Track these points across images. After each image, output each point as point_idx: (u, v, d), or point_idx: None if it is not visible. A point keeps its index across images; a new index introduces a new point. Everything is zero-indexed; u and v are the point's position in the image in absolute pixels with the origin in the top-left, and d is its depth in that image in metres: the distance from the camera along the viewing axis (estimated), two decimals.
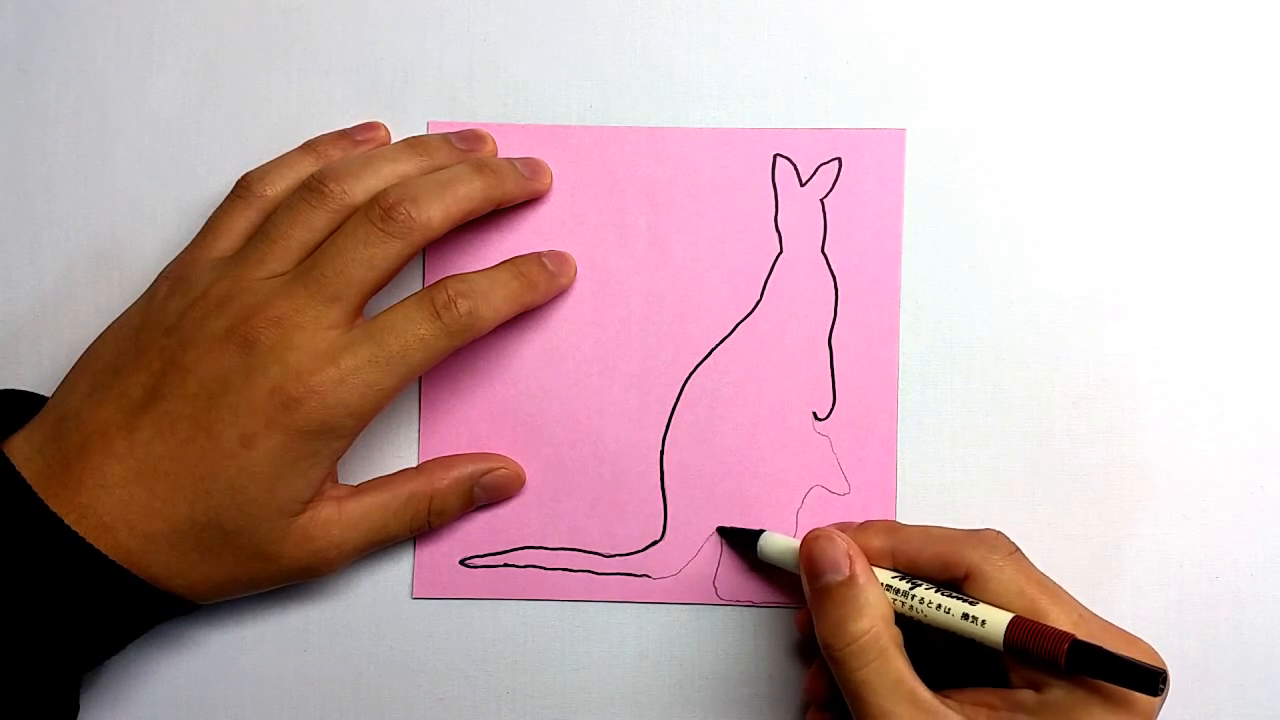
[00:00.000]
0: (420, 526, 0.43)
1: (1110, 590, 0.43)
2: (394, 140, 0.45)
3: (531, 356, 0.45)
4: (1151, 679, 0.34)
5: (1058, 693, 0.36)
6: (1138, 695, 0.35)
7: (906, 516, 0.44)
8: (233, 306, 0.39)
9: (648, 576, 0.44)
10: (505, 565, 0.44)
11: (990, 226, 0.44)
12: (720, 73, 0.45)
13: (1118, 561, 0.44)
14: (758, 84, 0.45)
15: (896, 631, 0.38)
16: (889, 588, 0.39)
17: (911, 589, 0.38)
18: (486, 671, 0.44)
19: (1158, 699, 0.35)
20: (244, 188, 0.43)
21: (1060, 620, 0.37)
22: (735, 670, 0.44)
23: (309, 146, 0.44)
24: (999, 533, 0.39)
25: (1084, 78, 0.45)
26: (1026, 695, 0.37)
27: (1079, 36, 0.45)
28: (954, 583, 0.38)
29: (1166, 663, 0.37)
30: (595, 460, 0.44)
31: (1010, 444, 0.44)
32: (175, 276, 0.41)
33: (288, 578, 0.42)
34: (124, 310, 0.42)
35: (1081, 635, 0.36)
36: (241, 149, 0.45)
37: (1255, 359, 0.44)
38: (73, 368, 0.41)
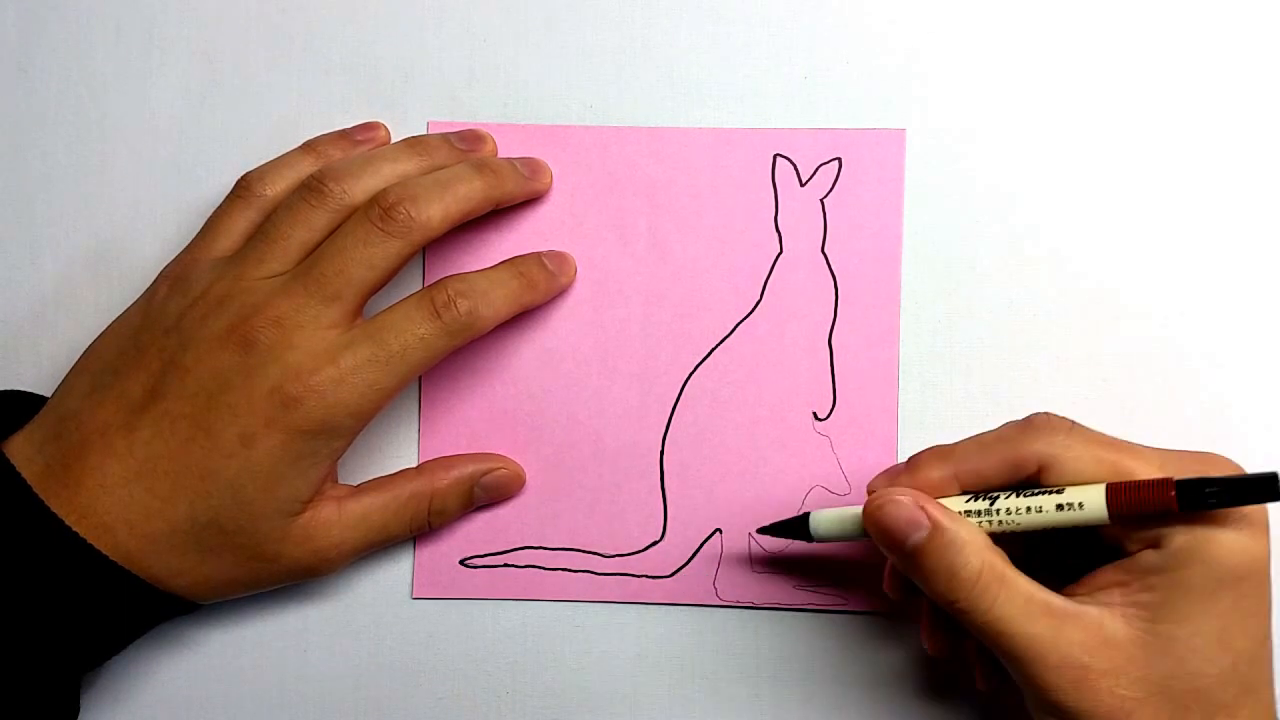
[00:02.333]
0: (420, 526, 0.43)
1: None
2: (394, 140, 0.45)
3: (531, 356, 0.45)
4: (1270, 484, 0.33)
5: (1178, 539, 0.35)
6: (1251, 508, 0.34)
7: None
8: (232, 306, 0.39)
9: (648, 576, 0.44)
10: (505, 565, 0.44)
11: (990, 226, 0.44)
12: (720, 73, 0.45)
13: None
14: (758, 84, 0.45)
15: (1001, 551, 0.36)
16: (969, 514, 0.37)
17: (991, 505, 0.37)
18: (486, 671, 0.44)
19: (1272, 504, 0.34)
20: (244, 188, 0.43)
21: (1148, 469, 0.35)
22: (735, 670, 0.44)
23: (309, 146, 0.44)
24: (1049, 414, 0.38)
25: (1084, 78, 0.45)
26: (1149, 556, 0.35)
27: (1079, 36, 0.45)
28: (1028, 481, 0.37)
29: None
30: (595, 460, 0.44)
31: None
32: (175, 276, 0.41)
33: (288, 578, 0.42)
34: (124, 310, 0.42)
35: (1174, 474, 0.35)
36: (241, 149, 0.45)
37: (1255, 359, 0.44)
38: (73, 368, 0.41)
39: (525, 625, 0.44)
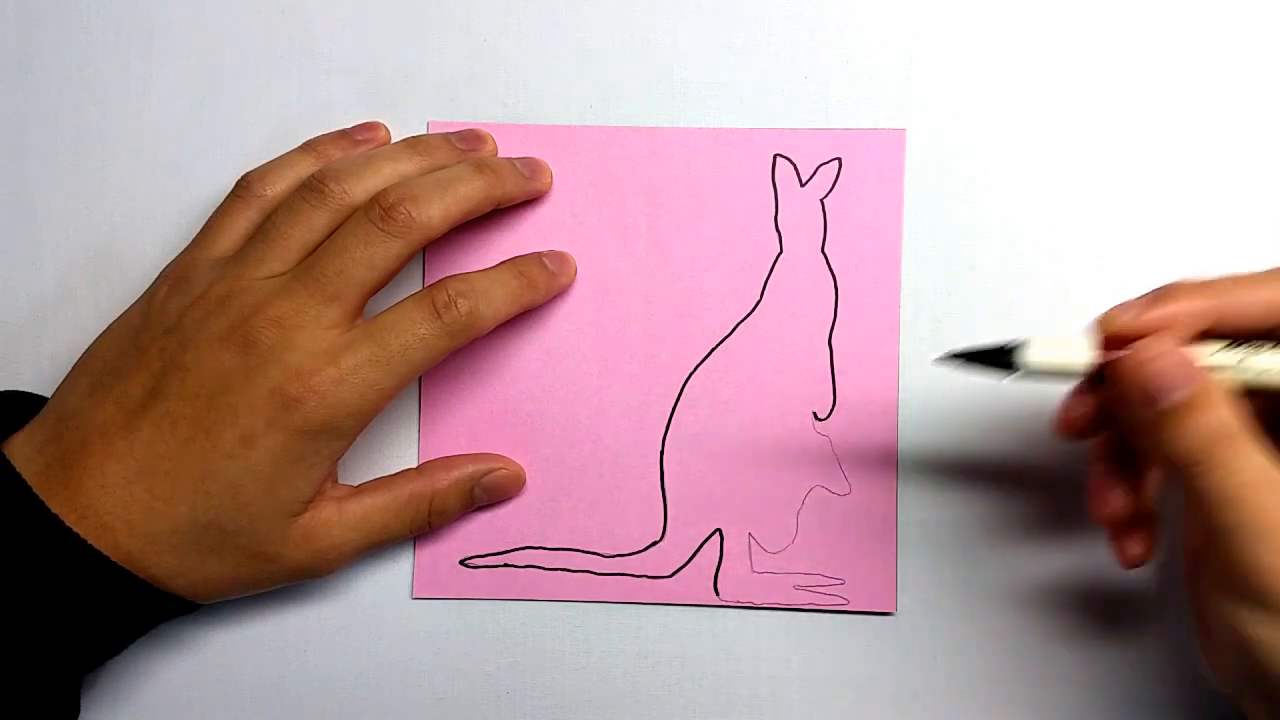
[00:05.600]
0: (420, 527, 0.43)
1: (1112, 589, 0.43)
2: (394, 140, 0.45)
3: (531, 356, 0.45)
4: None
5: None
6: None
7: (907, 519, 0.44)
8: (233, 306, 0.39)
9: (648, 576, 0.44)
10: (505, 565, 0.44)
11: (990, 226, 0.44)
12: (720, 73, 0.45)
13: None
14: (758, 84, 0.45)
15: (1243, 414, 0.33)
16: (1217, 368, 0.33)
17: (1244, 360, 0.33)
18: (486, 671, 0.44)
19: None
20: (244, 188, 0.43)
21: None
22: (735, 670, 0.44)
23: (309, 146, 0.44)
24: None
25: (1084, 78, 0.45)
26: None
27: (1079, 37, 0.45)
28: None
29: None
30: (595, 460, 0.44)
31: (1011, 443, 0.44)
32: (175, 276, 0.41)
33: (288, 578, 0.42)
34: (124, 310, 0.42)
35: None
36: (241, 149, 0.45)
37: None
38: (73, 368, 0.41)
39: (525, 625, 0.44)
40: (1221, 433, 0.33)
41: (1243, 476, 0.33)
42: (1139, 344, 0.34)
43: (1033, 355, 0.35)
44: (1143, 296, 0.35)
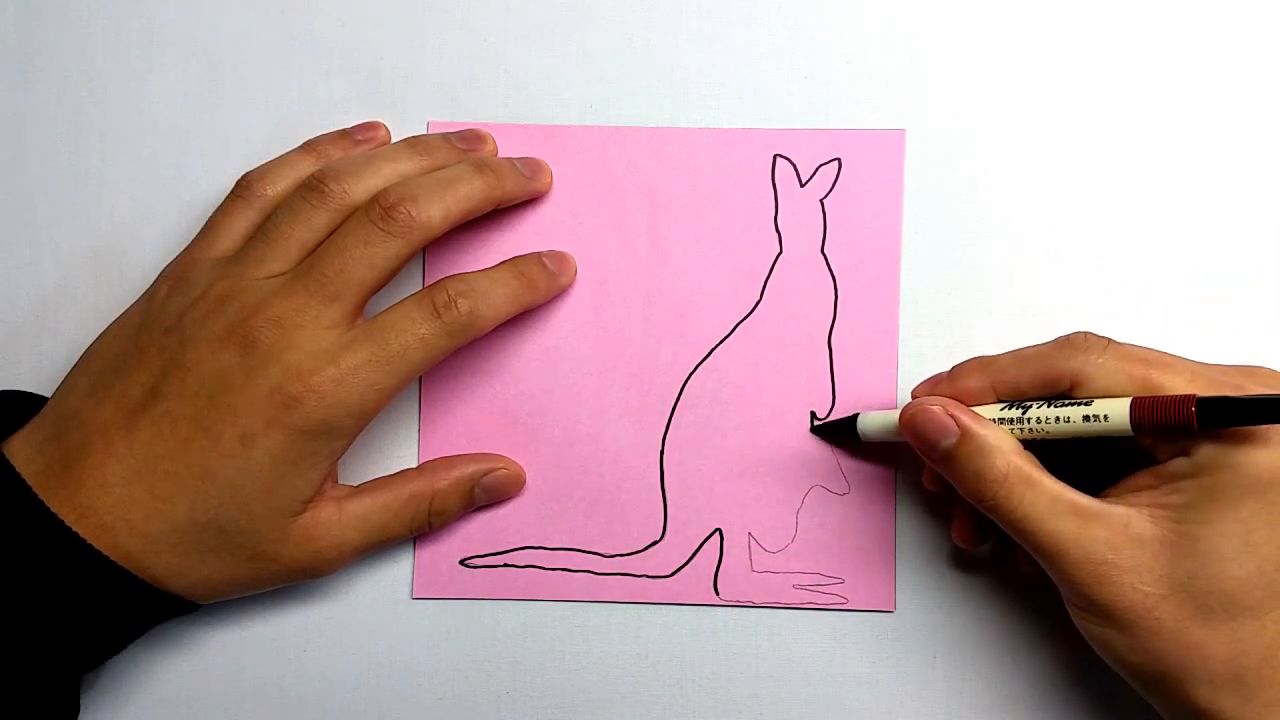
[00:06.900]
0: (420, 527, 0.43)
1: None
2: (394, 140, 0.45)
3: (531, 356, 0.45)
4: None
5: (1206, 449, 0.36)
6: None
7: (906, 518, 0.44)
8: (233, 306, 0.39)
9: (648, 576, 0.44)
10: (505, 565, 0.44)
11: (990, 226, 0.44)
12: (720, 73, 0.45)
13: None
14: (758, 84, 0.45)
15: (1031, 456, 0.38)
16: (1001, 420, 0.38)
17: (1023, 414, 0.38)
18: (486, 671, 0.44)
19: None
20: (244, 187, 0.43)
21: (1176, 385, 0.37)
22: (735, 670, 0.44)
23: (309, 146, 0.44)
24: (1087, 333, 0.39)
25: (1084, 78, 0.45)
26: (1178, 463, 0.36)
27: (1079, 37, 0.45)
28: (1062, 394, 0.38)
29: None
30: (595, 460, 0.44)
31: None
32: (175, 276, 0.41)
33: (288, 578, 0.42)
34: (124, 310, 0.42)
35: (1200, 391, 0.36)
36: (241, 149, 0.45)
37: (1255, 361, 0.44)
38: (73, 368, 0.41)
39: (525, 625, 0.44)
40: (1000, 473, 0.37)
41: (1030, 508, 0.37)
42: (907, 404, 0.39)
43: (861, 424, 0.42)
44: (942, 373, 0.41)
